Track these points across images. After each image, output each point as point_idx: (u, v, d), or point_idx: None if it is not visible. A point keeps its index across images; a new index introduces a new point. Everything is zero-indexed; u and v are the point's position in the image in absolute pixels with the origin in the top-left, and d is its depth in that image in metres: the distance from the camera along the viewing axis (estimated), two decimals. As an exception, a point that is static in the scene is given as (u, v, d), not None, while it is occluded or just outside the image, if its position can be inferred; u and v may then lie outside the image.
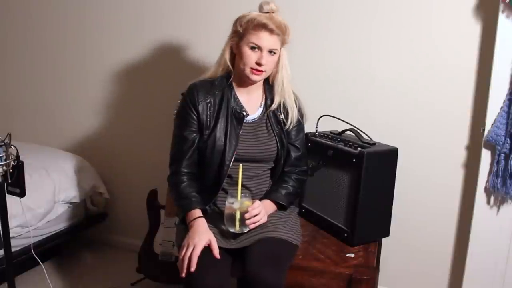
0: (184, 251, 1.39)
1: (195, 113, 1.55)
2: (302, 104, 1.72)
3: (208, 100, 1.55)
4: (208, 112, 1.55)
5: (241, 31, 1.49)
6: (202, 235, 1.41)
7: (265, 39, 1.46)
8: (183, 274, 1.36)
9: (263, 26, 1.45)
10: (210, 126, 1.55)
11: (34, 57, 2.60)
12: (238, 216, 1.45)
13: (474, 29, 1.80)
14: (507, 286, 1.85)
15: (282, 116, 1.62)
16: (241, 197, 1.46)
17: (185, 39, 2.24)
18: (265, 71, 1.51)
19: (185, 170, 1.58)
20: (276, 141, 1.60)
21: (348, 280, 1.53)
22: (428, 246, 2.01)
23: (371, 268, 1.58)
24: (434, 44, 1.87)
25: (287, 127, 1.63)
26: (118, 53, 2.39)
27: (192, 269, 1.34)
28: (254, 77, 1.51)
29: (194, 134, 1.56)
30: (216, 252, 1.39)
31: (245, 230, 1.47)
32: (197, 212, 1.50)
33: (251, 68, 1.49)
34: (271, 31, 1.46)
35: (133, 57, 2.37)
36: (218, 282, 1.33)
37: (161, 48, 2.30)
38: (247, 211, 1.44)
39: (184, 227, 1.53)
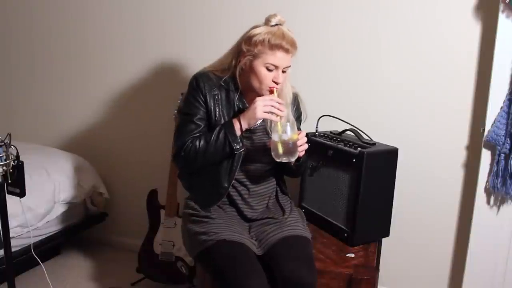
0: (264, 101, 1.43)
1: (204, 102, 1.53)
2: (303, 102, 1.70)
3: (216, 93, 1.53)
4: (215, 104, 1.53)
5: (256, 52, 1.45)
6: (254, 106, 1.44)
7: (281, 59, 1.45)
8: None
9: (279, 46, 1.43)
10: (217, 119, 1.53)
11: (34, 58, 2.60)
12: (280, 147, 1.42)
13: (474, 29, 1.80)
14: (507, 286, 1.85)
15: None
16: (286, 126, 1.43)
17: (186, 39, 2.24)
18: (279, 86, 1.50)
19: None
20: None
21: (348, 280, 1.53)
22: (428, 246, 2.01)
23: (371, 268, 1.58)
24: (434, 44, 1.87)
25: None
26: (119, 53, 2.39)
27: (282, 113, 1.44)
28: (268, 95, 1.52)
29: (204, 123, 1.53)
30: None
31: (293, 159, 1.45)
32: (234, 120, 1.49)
33: (267, 86, 1.48)
34: (287, 50, 1.45)
35: (134, 57, 2.36)
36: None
37: (162, 48, 2.30)
38: (291, 141, 1.42)
39: (196, 232, 1.52)
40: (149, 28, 2.30)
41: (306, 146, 1.47)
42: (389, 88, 1.96)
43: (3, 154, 1.38)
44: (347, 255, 1.65)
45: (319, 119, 1.87)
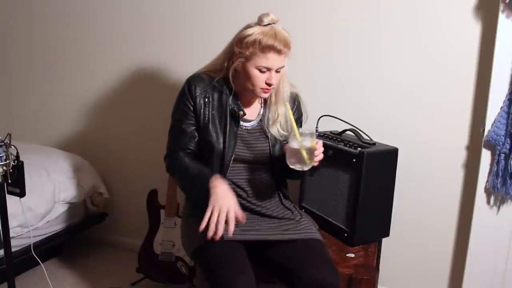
0: (209, 214, 1.36)
1: (193, 106, 1.53)
2: (303, 103, 1.68)
3: (207, 95, 1.53)
4: (205, 107, 1.53)
5: (247, 54, 1.43)
6: (229, 200, 1.39)
7: (274, 61, 1.42)
8: (210, 236, 1.35)
9: (271, 48, 1.40)
10: (205, 122, 1.53)
11: (34, 58, 2.60)
12: (305, 154, 1.38)
13: (474, 29, 1.80)
14: (507, 286, 1.85)
15: (280, 130, 1.58)
16: (306, 135, 1.39)
17: (185, 38, 2.24)
18: (273, 87, 1.49)
19: (187, 151, 1.54)
20: (269, 145, 1.57)
21: (348, 280, 1.54)
22: (428, 246, 2.01)
23: (371, 268, 1.59)
24: (434, 44, 1.87)
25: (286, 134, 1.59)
26: (118, 53, 2.39)
27: (217, 236, 1.34)
28: (264, 95, 1.51)
29: (193, 127, 1.54)
30: (242, 219, 1.39)
31: (307, 168, 1.41)
32: (218, 177, 1.46)
33: (261, 88, 1.47)
34: (279, 51, 1.41)
35: (134, 57, 2.36)
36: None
37: (162, 48, 2.30)
38: (309, 150, 1.39)
39: (190, 231, 1.52)
40: (148, 30, 2.30)
41: (322, 156, 1.44)
42: (389, 88, 1.96)
43: (3, 154, 1.38)
44: (347, 255, 1.66)
45: (319, 119, 1.86)
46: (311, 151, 1.38)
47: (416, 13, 1.87)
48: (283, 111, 1.56)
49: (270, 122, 1.56)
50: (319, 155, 1.42)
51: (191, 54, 2.23)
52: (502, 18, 1.67)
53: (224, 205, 1.38)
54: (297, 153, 1.38)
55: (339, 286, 1.39)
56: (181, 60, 2.26)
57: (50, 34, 2.53)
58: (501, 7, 1.66)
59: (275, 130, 1.57)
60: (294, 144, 1.38)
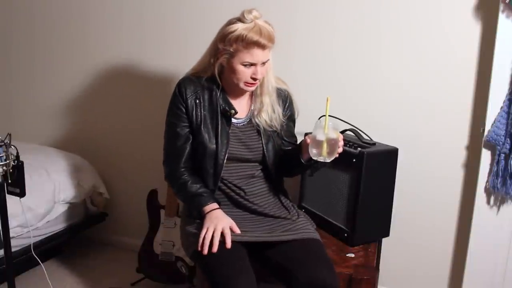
0: (205, 232, 1.41)
1: (185, 108, 1.55)
2: (295, 101, 1.69)
3: (197, 97, 1.55)
4: (196, 108, 1.54)
5: (232, 50, 1.44)
6: (223, 219, 1.45)
7: (258, 56, 1.43)
8: (205, 252, 1.39)
9: (255, 44, 1.41)
10: (198, 124, 1.54)
11: (34, 57, 2.60)
12: (325, 147, 1.40)
13: (474, 29, 1.80)
14: (507, 286, 1.85)
15: (268, 120, 1.59)
16: (329, 127, 1.41)
17: (186, 35, 2.24)
18: (259, 80, 1.50)
19: (184, 166, 1.57)
20: (262, 142, 1.58)
21: (348, 280, 1.54)
22: (428, 246, 2.01)
23: (371, 268, 1.59)
24: (434, 44, 1.87)
25: (278, 128, 1.61)
26: (118, 52, 2.39)
27: (214, 249, 1.38)
28: (249, 89, 1.52)
29: (187, 130, 1.56)
30: (237, 230, 1.44)
31: (328, 160, 1.42)
32: (213, 205, 1.51)
33: (246, 82, 1.48)
34: (263, 46, 1.42)
35: (134, 56, 2.36)
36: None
37: (163, 45, 2.30)
38: (334, 141, 1.40)
39: (191, 233, 1.53)
40: (148, 28, 2.30)
41: (341, 149, 1.44)
42: (389, 88, 1.96)
43: (3, 154, 1.38)
44: (347, 255, 1.66)
45: (319, 119, 1.86)
46: (335, 143, 1.40)
47: (416, 13, 1.87)
48: (268, 101, 1.58)
49: (256, 113, 1.58)
50: (340, 148, 1.43)
51: (191, 52, 2.20)
52: (502, 18, 1.67)
53: (219, 223, 1.42)
54: (321, 145, 1.40)
55: (338, 287, 1.39)
56: (182, 58, 2.24)
57: (50, 34, 2.53)
58: (501, 7, 1.66)
59: (263, 121, 1.58)
60: (320, 136, 1.40)
